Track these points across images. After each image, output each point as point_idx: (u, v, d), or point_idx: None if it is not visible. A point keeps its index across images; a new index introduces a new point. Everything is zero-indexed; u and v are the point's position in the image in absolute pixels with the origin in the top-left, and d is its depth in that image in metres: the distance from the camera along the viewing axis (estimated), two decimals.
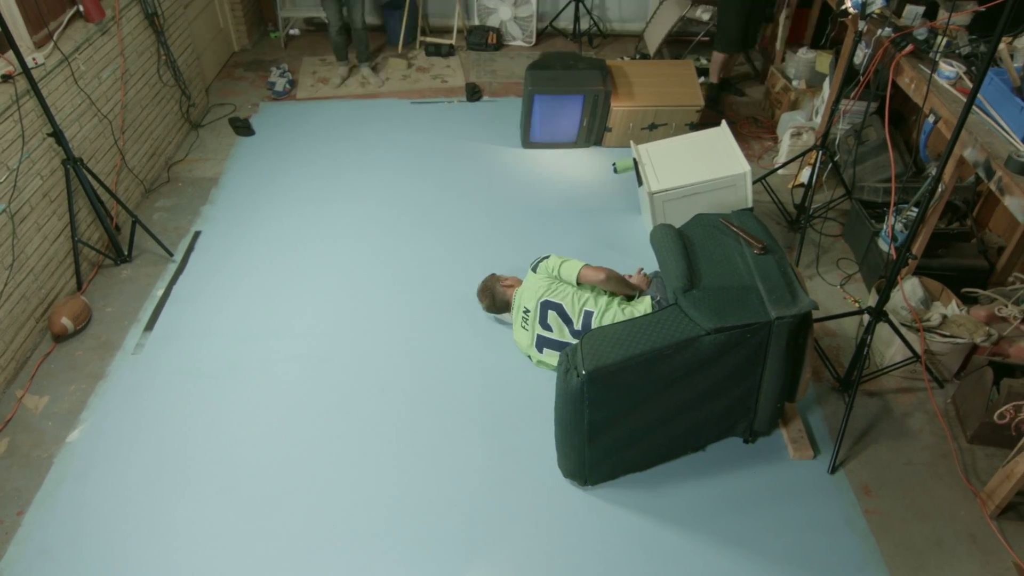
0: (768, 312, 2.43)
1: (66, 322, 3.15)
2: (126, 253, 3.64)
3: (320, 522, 2.51)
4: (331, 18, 5.00)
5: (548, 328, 3.00)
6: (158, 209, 4.03)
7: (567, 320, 2.96)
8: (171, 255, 3.67)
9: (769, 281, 2.56)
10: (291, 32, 6.12)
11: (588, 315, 2.94)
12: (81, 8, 3.57)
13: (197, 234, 3.84)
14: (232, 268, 3.61)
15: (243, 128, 4.78)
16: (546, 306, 2.99)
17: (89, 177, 3.36)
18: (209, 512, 2.53)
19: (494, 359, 3.15)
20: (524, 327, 3.07)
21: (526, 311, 3.05)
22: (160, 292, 3.46)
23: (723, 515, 2.56)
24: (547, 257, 3.07)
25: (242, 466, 2.69)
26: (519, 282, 3.24)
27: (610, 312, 2.92)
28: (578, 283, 2.97)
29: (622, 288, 3.00)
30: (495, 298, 3.24)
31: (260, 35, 6.08)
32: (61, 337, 3.18)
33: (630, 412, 2.45)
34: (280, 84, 5.21)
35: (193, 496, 2.58)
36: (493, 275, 3.31)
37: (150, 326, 3.28)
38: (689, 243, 2.82)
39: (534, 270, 3.09)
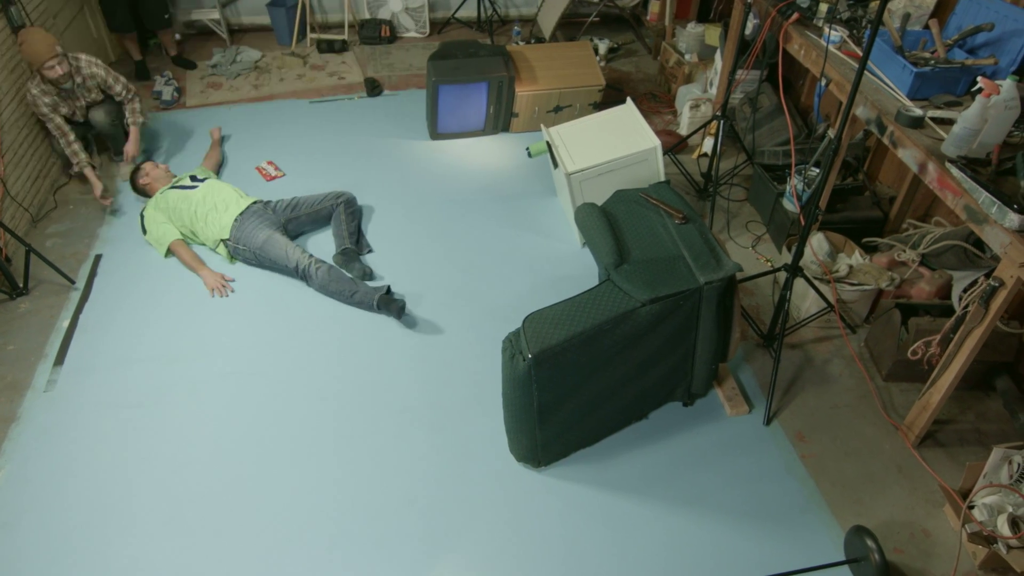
0: (697, 278, 2.53)
1: None
2: (21, 285, 3.39)
3: (275, 538, 2.44)
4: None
5: None
6: (51, 236, 3.77)
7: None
8: (72, 282, 3.45)
9: (693, 249, 2.66)
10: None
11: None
12: None
13: (98, 258, 3.62)
14: (142, 290, 3.42)
15: None
16: None
17: None
18: (158, 545, 2.41)
19: (429, 354, 3.13)
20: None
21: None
22: (66, 323, 3.25)
23: (673, 477, 2.66)
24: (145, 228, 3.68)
25: (185, 493, 2.57)
26: (165, 175, 3.87)
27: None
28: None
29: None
30: (138, 190, 3.89)
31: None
32: None
33: (577, 389, 2.50)
34: (167, 93, 4.96)
35: (139, 531, 2.45)
36: (147, 163, 3.93)
37: (60, 360, 3.08)
38: (613, 220, 2.89)
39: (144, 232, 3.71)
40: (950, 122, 2.60)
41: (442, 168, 4.33)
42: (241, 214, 3.54)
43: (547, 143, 3.68)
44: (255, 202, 3.65)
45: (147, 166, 3.91)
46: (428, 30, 6.03)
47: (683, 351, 2.69)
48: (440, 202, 4.04)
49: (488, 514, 2.53)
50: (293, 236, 3.69)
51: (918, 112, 2.62)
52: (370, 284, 3.40)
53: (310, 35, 5.80)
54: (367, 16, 5.99)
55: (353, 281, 3.35)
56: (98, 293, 3.41)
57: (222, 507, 2.53)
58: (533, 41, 5.68)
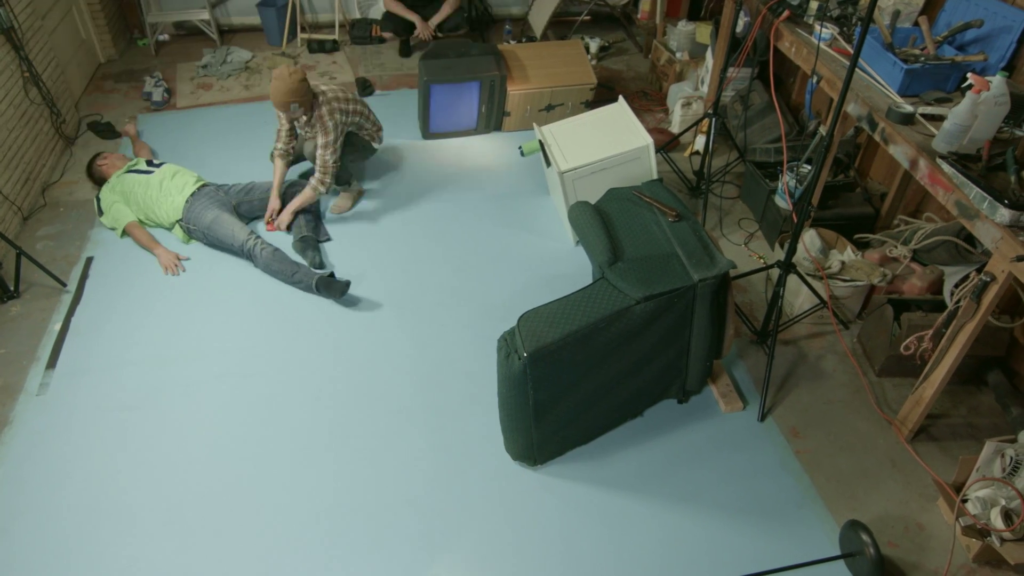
0: (691, 276, 2.54)
1: None
2: (12, 289, 3.36)
3: (274, 539, 2.43)
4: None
5: None
6: (41, 238, 3.75)
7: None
8: (64, 285, 3.43)
9: (687, 246, 2.67)
10: (160, 38, 5.79)
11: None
12: None
13: (89, 260, 3.60)
14: (135, 292, 3.41)
15: (107, 132, 4.57)
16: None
17: None
18: (156, 547, 2.40)
19: (424, 354, 3.13)
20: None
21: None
22: (58, 326, 3.23)
23: (669, 474, 2.66)
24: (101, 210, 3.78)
25: (182, 494, 2.56)
26: (122, 160, 3.94)
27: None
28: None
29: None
30: (93, 176, 3.96)
31: (127, 44, 5.73)
32: None
33: (572, 388, 2.51)
34: (157, 94, 4.94)
35: (136, 534, 2.44)
36: (97, 154, 4.01)
37: (52, 363, 3.06)
38: (607, 218, 2.90)
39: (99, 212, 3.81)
40: (940, 118, 2.61)
41: (435, 168, 4.33)
42: (193, 195, 3.67)
43: (540, 142, 3.68)
44: (207, 184, 3.78)
45: (108, 154, 4.01)
46: None
47: (677, 348, 2.70)
48: (433, 202, 4.04)
49: (485, 513, 2.53)
50: (247, 219, 3.83)
51: (909, 109, 2.64)
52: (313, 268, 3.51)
53: (300, 35, 5.78)
54: (357, 16, 5.98)
55: (295, 263, 3.45)
56: (90, 295, 3.40)
57: (220, 508, 2.53)
58: (524, 40, 5.68)
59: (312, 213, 3.79)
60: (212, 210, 3.60)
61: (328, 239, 3.77)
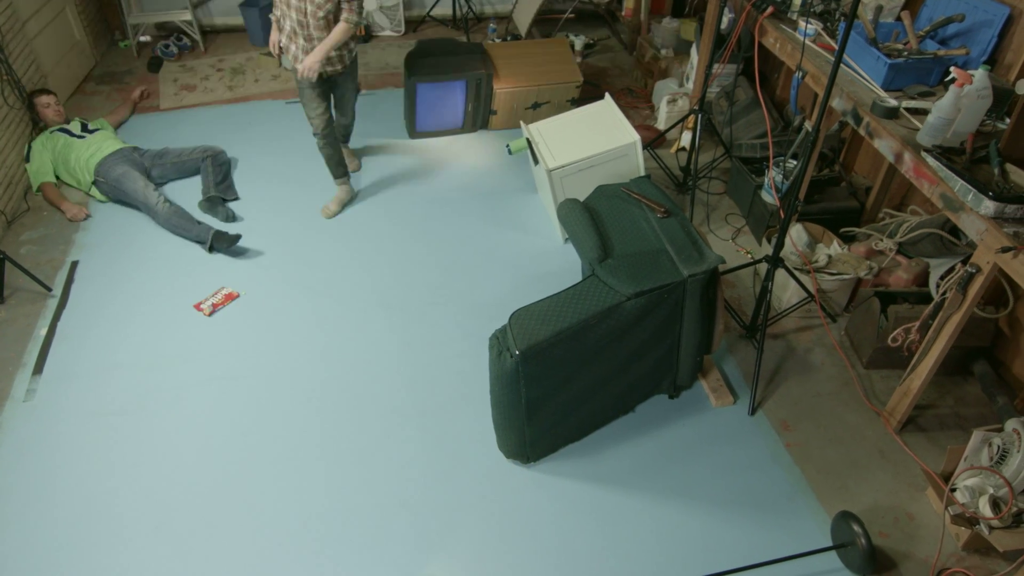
0: (681, 271, 2.55)
1: None
2: None
3: (266, 542, 2.42)
4: (316, 120, 3.59)
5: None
6: (25, 242, 3.71)
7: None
8: (49, 290, 3.39)
9: (676, 242, 2.68)
10: (142, 39, 5.74)
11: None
12: None
13: (74, 264, 3.57)
14: (121, 296, 3.38)
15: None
16: None
17: None
18: (148, 553, 2.39)
19: (415, 354, 3.12)
20: None
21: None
22: (43, 331, 3.20)
23: (661, 469, 2.68)
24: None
25: (173, 499, 2.54)
26: (59, 115, 4.13)
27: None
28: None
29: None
30: (32, 106, 4.12)
31: (108, 45, 5.67)
32: None
33: (564, 385, 2.51)
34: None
35: (127, 540, 2.42)
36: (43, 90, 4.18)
37: (39, 369, 3.03)
38: (596, 215, 2.90)
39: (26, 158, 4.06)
40: (924, 112, 2.64)
41: (422, 167, 4.32)
42: (110, 154, 3.93)
43: (527, 140, 3.69)
44: (126, 146, 4.07)
45: (54, 98, 4.18)
46: (403, 28, 6.01)
47: (668, 344, 2.71)
48: (421, 201, 4.03)
49: (479, 511, 2.53)
50: (158, 182, 4.08)
51: (893, 103, 2.66)
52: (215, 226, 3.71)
53: None
54: None
55: (194, 220, 3.70)
56: (76, 300, 3.36)
57: (211, 512, 2.51)
58: (509, 38, 5.68)
59: (222, 174, 4.04)
60: (122, 166, 3.86)
61: (236, 198, 3.98)
